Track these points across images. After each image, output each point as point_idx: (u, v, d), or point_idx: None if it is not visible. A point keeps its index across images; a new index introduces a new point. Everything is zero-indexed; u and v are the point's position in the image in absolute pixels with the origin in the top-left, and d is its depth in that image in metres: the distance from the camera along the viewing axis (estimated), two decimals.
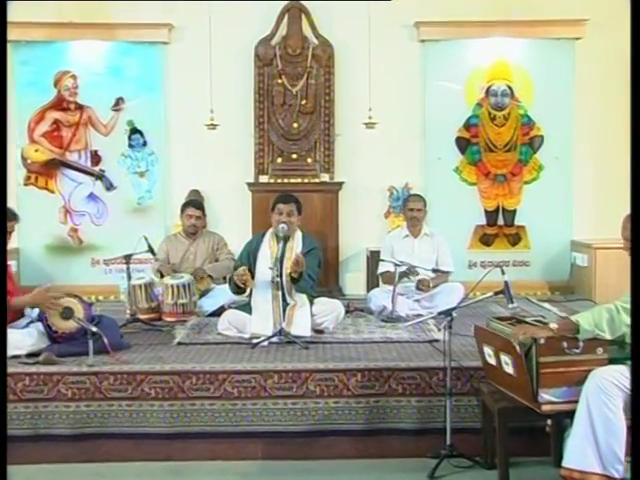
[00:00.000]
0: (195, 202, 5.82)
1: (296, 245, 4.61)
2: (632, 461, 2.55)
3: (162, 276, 5.34)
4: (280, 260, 4.47)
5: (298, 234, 4.68)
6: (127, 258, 4.93)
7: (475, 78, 6.64)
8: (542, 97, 6.60)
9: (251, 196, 6.50)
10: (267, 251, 4.60)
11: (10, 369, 3.58)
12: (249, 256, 4.68)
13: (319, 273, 4.74)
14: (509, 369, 3.04)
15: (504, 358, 3.06)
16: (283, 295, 4.46)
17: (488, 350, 3.23)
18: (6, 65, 5.80)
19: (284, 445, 3.63)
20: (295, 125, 6.57)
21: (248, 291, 4.63)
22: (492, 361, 3.20)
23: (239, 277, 4.40)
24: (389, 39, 6.50)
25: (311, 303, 4.55)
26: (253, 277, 4.55)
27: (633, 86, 2.91)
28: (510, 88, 6.65)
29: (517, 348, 2.93)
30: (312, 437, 3.65)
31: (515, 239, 6.76)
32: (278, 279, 4.32)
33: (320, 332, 4.54)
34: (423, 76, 6.64)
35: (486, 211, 6.74)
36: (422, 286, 5.27)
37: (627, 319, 2.89)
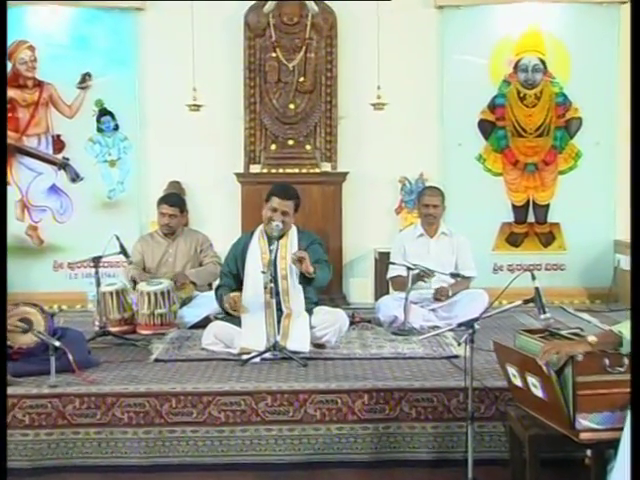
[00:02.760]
0: (170, 198, 5.75)
1: (290, 242, 4.60)
2: (632, 461, 2.59)
3: (136, 284, 5.33)
4: (274, 262, 4.47)
5: (293, 229, 4.68)
6: (96, 261, 4.94)
7: (502, 50, 6.65)
8: (580, 72, 6.60)
9: (240, 189, 6.51)
10: (257, 252, 4.60)
11: None
12: (236, 260, 4.68)
13: (330, 267, 4.69)
14: (538, 392, 3.03)
15: (531, 380, 3.06)
16: (278, 304, 4.47)
17: (512, 370, 3.22)
18: (6, 65, 5.82)
19: (279, 479, 3.62)
20: (292, 106, 6.57)
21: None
22: (518, 382, 3.20)
23: (230, 305, 4.42)
24: (401, 5, 6.50)
25: (310, 313, 4.56)
26: (241, 283, 4.56)
27: (633, 86, 2.96)
28: (543, 62, 6.66)
29: (544, 368, 2.92)
30: (311, 469, 3.65)
31: (548, 239, 6.76)
32: (272, 284, 4.31)
33: (321, 347, 4.54)
34: (441, 49, 6.65)
35: (514, 206, 6.75)
36: (439, 294, 5.27)
37: None
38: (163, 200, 5.68)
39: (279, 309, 4.46)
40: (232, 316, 4.55)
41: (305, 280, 4.47)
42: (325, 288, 5.02)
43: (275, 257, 4.48)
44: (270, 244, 4.51)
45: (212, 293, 5.43)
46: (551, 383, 2.92)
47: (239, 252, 4.69)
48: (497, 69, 6.66)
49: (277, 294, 4.45)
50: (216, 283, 5.11)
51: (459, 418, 3.65)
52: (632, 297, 2.72)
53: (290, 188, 4.74)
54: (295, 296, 4.52)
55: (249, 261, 4.61)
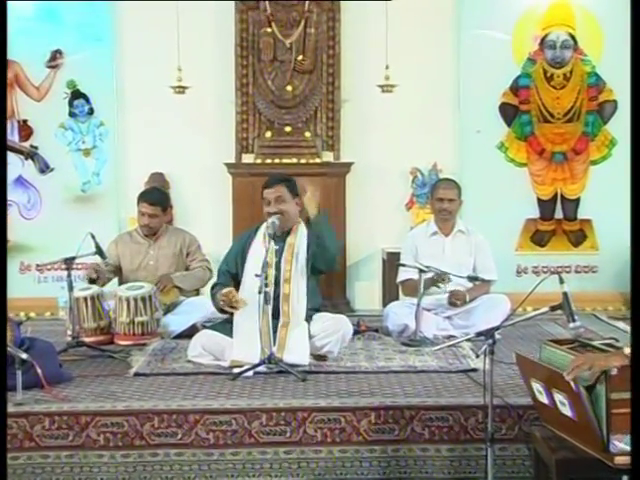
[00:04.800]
0: (151, 195, 5.68)
1: (299, 240, 4.60)
2: (632, 461, 2.61)
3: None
4: (277, 263, 4.48)
5: (301, 226, 4.67)
6: (68, 262, 4.93)
7: (526, 25, 6.67)
8: (615, 49, 6.58)
9: (231, 181, 6.52)
10: (260, 251, 4.56)
11: None
12: (236, 257, 4.69)
13: (337, 254, 4.66)
14: (566, 410, 3.04)
15: (558, 397, 3.06)
16: (275, 310, 4.47)
17: (537, 386, 3.23)
18: (6, 64, 5.84)
19: None
20: (289, 88, 6.58)
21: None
22: (544, 399, 3.20)
23: (226, 302, 4.41)
24: None
25: (309, 320, 4.56)
26: (239, 284, 4.57)
27: (633, 86, 2.99)
28: (573, 37, 6.67)
29: (572, 385, 2.92)
30: None
31: (578, 237, 6.77)
32: (267, 289, 4.30)
33: (321, 358, 4.55)
34: (457, 23, 6.66)
35: (540, 201, 6.76)
36: (455, 299, 5.27)
37: None
38: (143, 198, 5.63)
39: (275, 317, 4.46)
40: (228, 313, 4.54)
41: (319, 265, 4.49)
42: (327, 293, 5.02)
43: (280, 257, 4.51)
44: (276, 243, 4.50)
45: (200, 299, 5.47)
46: (580, 401, 2.92)
47: (240, 249, 4.71)
48: (521, 46, 6.67)
49: (276, 299, 4.46)
50: (211, 282, 5.06)
51: (478, 439, 3.65)
52: (632, 296, 2.72)
53: (277, 174, 4.85)
54: (297, 302, 4.53)
55: (250, 260, 4.61)
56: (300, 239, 4.62)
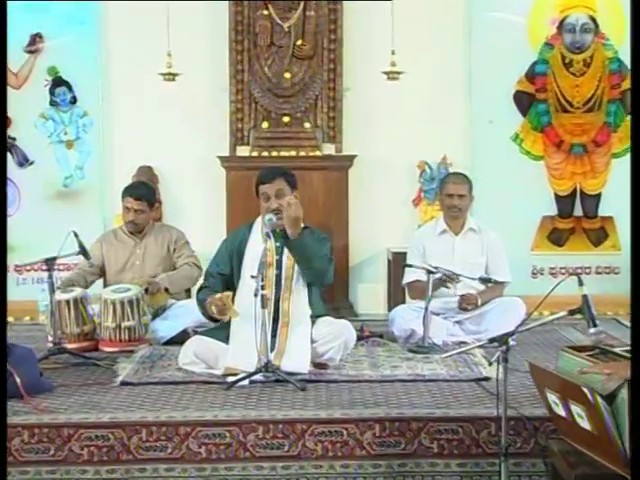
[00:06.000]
0: (136, 189, 5.71)
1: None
2: (632, 461, 2.63)
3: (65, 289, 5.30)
4: (278, 261, 4.49)
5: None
6: (49, 263, 4.93)
7: (543, 6, 6.67)
8: None
9: (225, 175, 6.52)
10: (258, 250, 4.51)
11: None
12: (231, 258, 4.68)
13: (332, 264, 4.69)
14: (584, 423, 3.04)
15: (575, 409, 3.06)
16: (276, 314, 4.47)
17: (552, 397, 3.23)
18: (6, 64, 5.86)
19: None
20: (287, 75, 6.58)
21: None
22: (561, 411, 3.20)
23: (218, 307, 4.37)
24: None
25: (311, 325, 4.56)
26: (231, 287, 4.57)
27: (633, 85, 3.02)
28: (593, 20, 6.67)
29: (589, 396, 2.92)
30: None
31: (599, 236, 6.77)
32: (263, 292, 4.29)
33: (322, 366, 4.55)
34: (468, 4, 6.67)
35: (558, 196, 6.77)
36: (466, 302, 5.28)
37: None
38: (127, 192, 5.65)
39: (276, 319, 4.48)
40: (218, 321, 4.54)
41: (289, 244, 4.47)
42: (328, 297, 5.02)
43: (281, 255, 4.53)
44: (276, 240, 4.51)
45: (191, 302, 5.45)
46: (598, 413, 2.92)
47: (235, 248, 4.69)
48: (537, 29, 6.67)
49: (277, 301, 4.48)
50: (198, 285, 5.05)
51: (490, 454, 3.65)
52: (632, 296, 2.73)
53: (273, 168, 4.88)
54: (299, 302, 4.55)
55: (247, 260, 4.61)
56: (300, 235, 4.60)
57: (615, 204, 6.72)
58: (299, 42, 6.56)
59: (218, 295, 4.39)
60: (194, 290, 5.61)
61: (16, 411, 3.82)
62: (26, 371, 4.03)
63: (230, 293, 4.43)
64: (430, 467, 3.69)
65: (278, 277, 4.52)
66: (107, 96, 6.73)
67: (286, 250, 4.55)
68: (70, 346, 5.01)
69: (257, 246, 4.56)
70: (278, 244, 4.52)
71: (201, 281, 4.98)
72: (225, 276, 4.68)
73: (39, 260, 5.03)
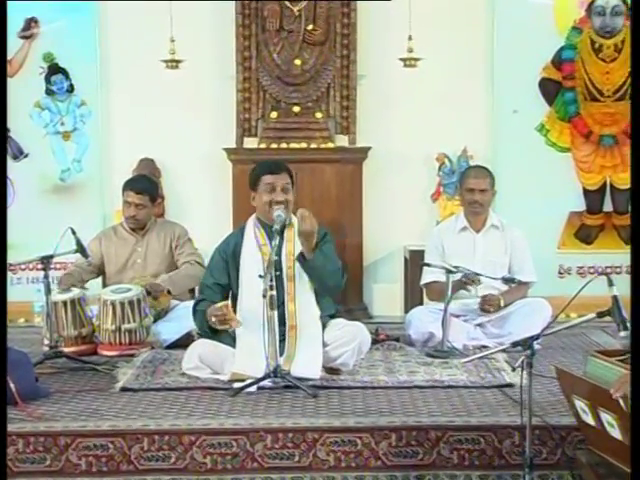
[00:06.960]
0: (137, 183, 5.74)
1: (296, 234, 4.58)
2: (632, 461, 2.68)
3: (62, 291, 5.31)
4: (278, 262, 4.49)
5: (294, 218, 4.67)
6: (45, 262, 4.94)
7: None
8: None
9: (232, 168, 6.53)
10: (255, 252, 4.59)
11: None
12: (227, 266, 4.69)
13: (345, 274, 4.71)
14: (615, 432, 3.03)
15: (605, 417, 3.05)
16: (282, 316, 4.48)
17: (580, 404, 3.22)
18: (6, 64, 5.88)
19: None
20: (297, 62, 6.59)
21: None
22: (589, 420, 3.20)
23: (218, 318, 4.38)
24: None
25: (323, 327, 4.57)
26: (236, 299, 4.58)
27: (633, 85, 3.02)
28: (625, 2, 6.64)
29: (621, 403, 2.91)
30: None
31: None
32: (273, 292, 4.31)
33: (335, 371, 4.55)
34: None
35: (586, 191, 6.75)
36: (488, 304, 5.28)
37: None
38: (128, 185, 5.67)
39: (282, 323, 4.48)
40: (218, 333, 4.55)
41: (305, 265, 4.49)
42: (339, 295, 5.02)
43: (279, 255, 4.51)
44: (271, 239, 4.51)
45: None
46: (632, 422, 2.91)
47: (229, 256, 4.70)
48: (565, 12, 6.65)
49: (282, 304, 4.48)
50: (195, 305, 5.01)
51: (514, 465, 3.64)
52: (632, 297, 2.72)
53: (278, 160, 4.99)
54: (304, 302, 4.55)
55: (245, 265, 4.62)
56: (296, 233, 4.60)
57: None
58: (310, 27, 6.56)
59: (217, 305, 4.42)
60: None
61: (10, 419, 3.81)
62: (21, 376, 4.03)
63: (227, 302, 4.45)
64: (449, 479, 3.69)
65: (279, 278, 4.51)
66: (106, 85, 6.74)
67: (285, 249, 4.56)
68: (67, 350, 5.02)
69: (253, 249, 4.62)
70: (274, 243, 4.46)
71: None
72: (222, 286, 4.69)
73: (34, 258, 5.04)
